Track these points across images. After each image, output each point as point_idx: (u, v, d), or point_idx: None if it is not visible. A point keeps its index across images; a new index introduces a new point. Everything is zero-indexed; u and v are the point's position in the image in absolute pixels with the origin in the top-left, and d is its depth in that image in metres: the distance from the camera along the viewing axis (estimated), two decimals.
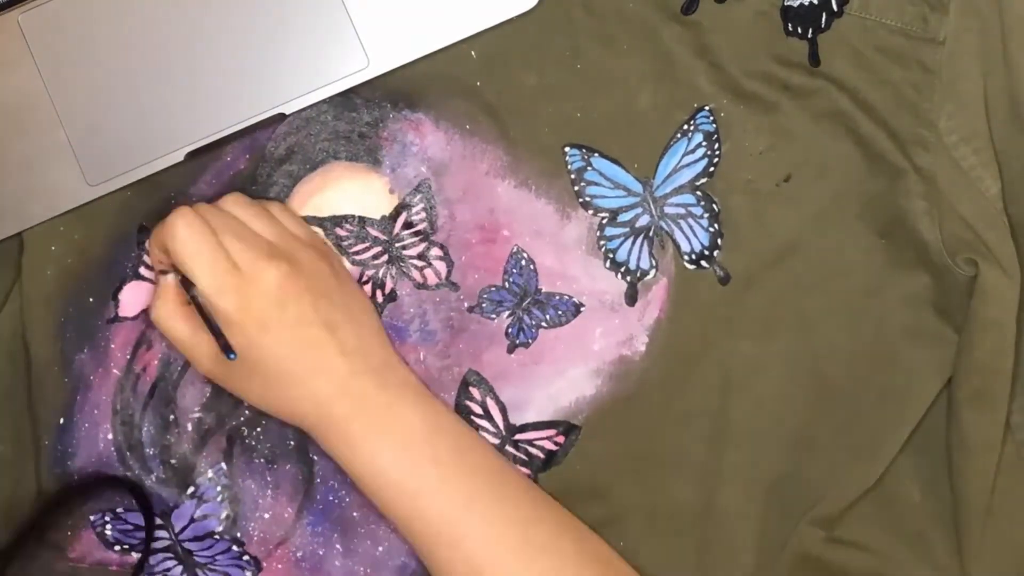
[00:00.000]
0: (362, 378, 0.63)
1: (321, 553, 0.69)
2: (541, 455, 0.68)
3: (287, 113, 0.68)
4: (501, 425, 0.69)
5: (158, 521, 0.69)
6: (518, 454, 0.69)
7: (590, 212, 0.69)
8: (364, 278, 0.69)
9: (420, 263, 0.69)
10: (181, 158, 0.69)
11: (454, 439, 0.64)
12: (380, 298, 0.69)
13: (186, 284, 0.63)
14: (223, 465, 0.70)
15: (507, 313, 0.69)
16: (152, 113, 0.68)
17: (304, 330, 0.62)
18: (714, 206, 0.68)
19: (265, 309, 0.61)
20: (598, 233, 0.68)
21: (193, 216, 0.62)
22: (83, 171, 0.69)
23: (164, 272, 0.65)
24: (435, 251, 0.69)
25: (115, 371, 0.70)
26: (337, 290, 0.65)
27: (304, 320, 0.62)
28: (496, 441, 0.69)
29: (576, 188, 0.68)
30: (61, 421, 0.70)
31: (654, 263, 0.68)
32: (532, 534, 0.62)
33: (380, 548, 0.69)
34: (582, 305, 0.69)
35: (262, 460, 0.70)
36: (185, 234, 0.62)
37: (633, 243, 0.68)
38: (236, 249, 0.62)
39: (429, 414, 0.64)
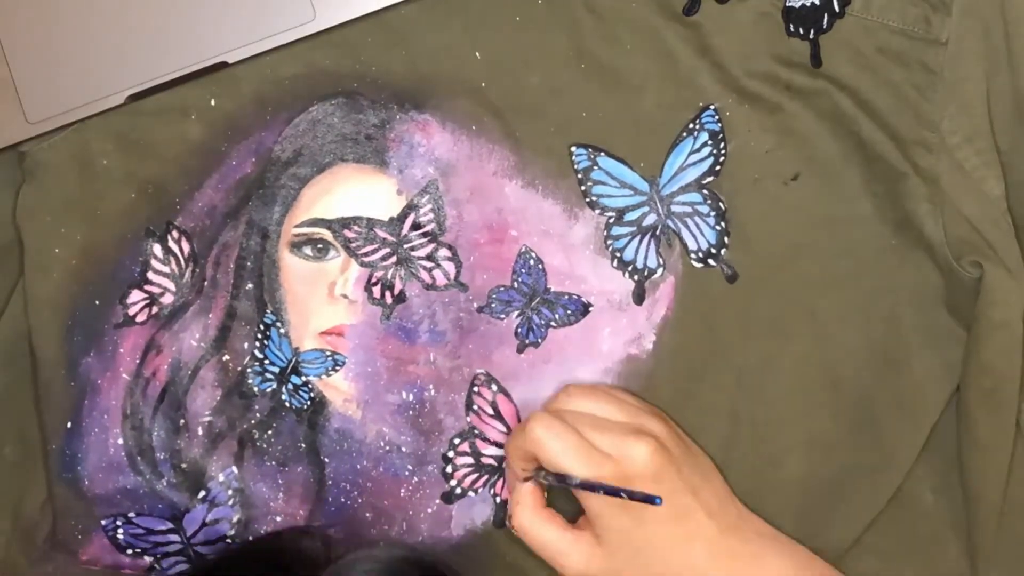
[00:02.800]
0: (728, 536, 0.63)
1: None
2: None
3: (230, 62, 0.68)
4: (513, 425, 0.69)
5: (170, 525, 0.69)
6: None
7: (597, 211, 0.69)
8: (373, 280, 0.69)
9: (429, 264, 0.69)
10: (122, 100, 0.69)
11: (820, 572, 0.65)
12: (389, 300, 0.69)
13: (559, 478, 0.62)
14: (234, 469, 0.70)
15: (516, 313, 0.69)
16: (95, 55, 0.68)
17: (677, 499, 0.62)
18: (720, 204, 0.68)
19: (644, 487, 0.61)
20: (605, 232, 0.69)
21: (549, 417, 0.62)
22: (24, 108, 0.69)
23: (527, 479, 0.64)
24: (443, 252, 0.69)
25: (124, 375, 0.70)
26: (688, 452, 0.65)
27: (676, 489, 0.62)
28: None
29: (583, 188, 0.69)
30: (69, 425, 0.70)
31: (661, 262, 0.69)
32: None
33: None
34: (590, 305, 0.69)
35: (273, 463, 0.70)
36: (547, 435, 0.62)
37: (640, 242, 0.69)
38: (598, 438, 0.62)
39: (790, 555, 0.65)
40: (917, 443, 0.69)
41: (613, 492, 0.60)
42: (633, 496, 0.59)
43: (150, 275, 0.70)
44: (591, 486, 0.60)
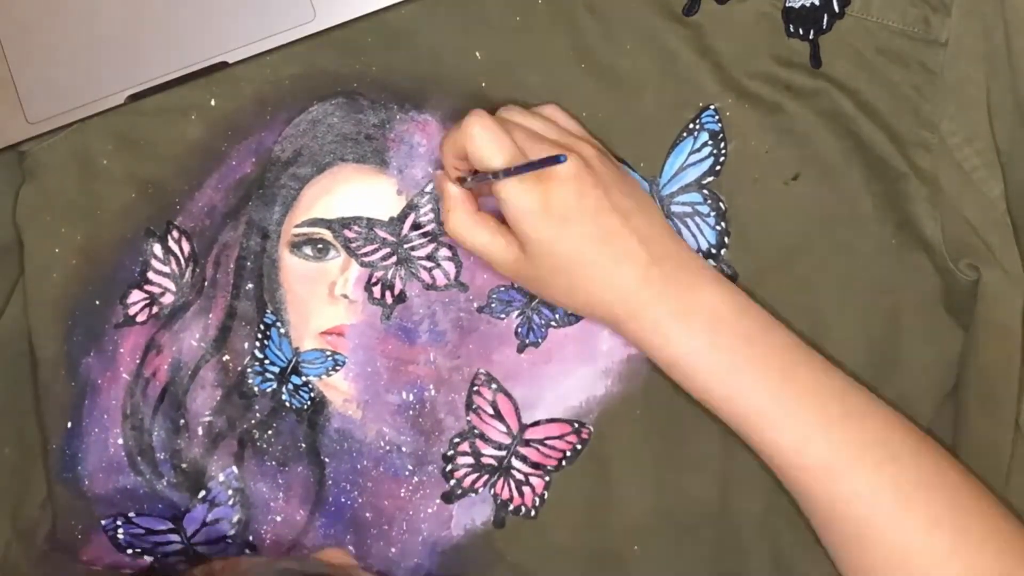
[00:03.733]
0: (662, 263, 0.62)
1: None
2: (553, 458, 0.69)
3: (230, 62, 0.68)
4: (513, 425, 0.69)
5: (170, 525, 0.69)
6: (529, 457, 0.69)
7: None
8: (373, 279, 0.69)
9: (429, 264, 0.69)
10: (122, 100, 0.69)
11: (758, 317, 0.64)
12: (390, 299, 0.69)
13: (479, 178, 0.62)
14: (234, 469, 0.70)
15: (516, 313, 0.69)
16: (95, 55, 0.69)
17: (603, 219, 0.61)
18: (721, 204, 0.68)
19: (565, 201, 0.60)
20: None
21: (488, 118, 0.61)
22: (24, 108, 0.69)
23: (461, 179, 0.64)
24: (444, 252, 0.69)
25: (124, 375, 0.70)
26: (621, 180, 0.64)
27: (602, 209, 0.61)
28: (508, 440, 0.69)
29: None
30: (69, 425, 0.70)
31: None
32: (850, 402, 0.62)
33: (393, 549, 0.70)
34: None
35: (273, 463, 0.70)
36: (484, 134, 0.61)
37: None
38: (529, 147, 0.62)
39: (729, 293, 0.64)
40: None
41: (525, 168, 0.59)
42: (533, 165, 0.59)
43: (150, 275, 0.70)
44: (506, 171, 0.60)
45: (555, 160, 0.58)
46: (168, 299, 0.70)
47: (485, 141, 0.61)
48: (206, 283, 0.70)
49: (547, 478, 0.69)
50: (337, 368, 0.70)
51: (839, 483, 0.60)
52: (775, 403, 0.61)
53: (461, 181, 0.64)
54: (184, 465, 0.70)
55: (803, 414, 0.61)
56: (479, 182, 0.62)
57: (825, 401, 0.61)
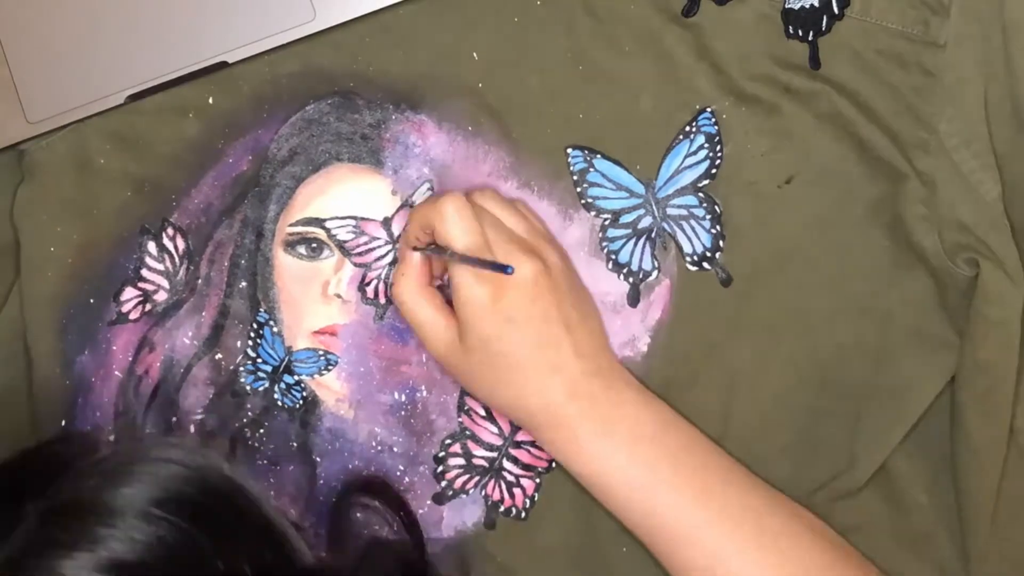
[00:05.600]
0: (592, 379, 0.63)
1: (324, 554, 0.69)
2: (544, 459, 0.69)
3: (230, 62, 0.68)
4: (505, 427, 0.69)
5: None
6: (520, 459, 0.69)
7: (592, 213, 0.69)
8: (367, 280, 0.69)
9: None
10: (122, 100, 0.69)
11: (681, 434, 0.64)
12: (383, 300, 0.69)
13: (434, 250, 0.63)
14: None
15: None
16: (95, 55, 0.69)
17: (547, 327, 0.62)
18: (716, 207, 0.68)
19: (516, 302, 0.61)
20: (600, 234, 0.69)
21: (464, 202, 0.62)
22: (24, 108, 0.69)
23: (416, 249, 0.65)
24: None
25: (117, 373, 0.70)
26: (576, 289, 0.65)
27: (549, 317, 0.62)
28: (499, 442, 0.69)
29: (578, 189, 0.69)
30: (63, 423, 0.70)
31: (656, 264, 0.68)
32: (766, 523, 0.62)
33: None
34: None
35: (265, 462, 0.70)
36: (455, 217, 0.62)
37: (635, 244, 0.69)
38: (496, 241, 0.62)
39: (655, 412, 0.64)
40: (895, 439, 0.68)
41: (477, 263, 0.61)
42: (484, 264, 0.60)
43: (144, 272, 0.70)
44: (462, 257, 0.61)
45: (503, 269, 0.59)
46: (161, 296, 0.70)
47: (455, 221, 0.62)
48: (200, 281, 0.70)
49: (537, 480, 0.69)
50: (329, 368, 0.70)
51: None
52: (691, 519, 0.61)
53: (418, 250, 0.65)
54: None
55: (719, 532, 0.61)
56: (433, 254, 0.64)
57: (741, 521, 0.62)
